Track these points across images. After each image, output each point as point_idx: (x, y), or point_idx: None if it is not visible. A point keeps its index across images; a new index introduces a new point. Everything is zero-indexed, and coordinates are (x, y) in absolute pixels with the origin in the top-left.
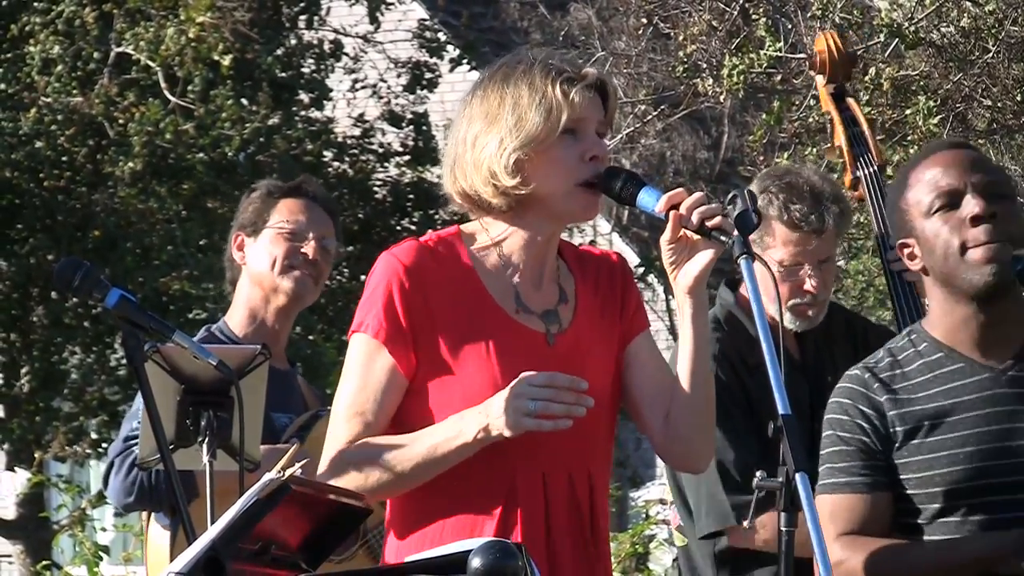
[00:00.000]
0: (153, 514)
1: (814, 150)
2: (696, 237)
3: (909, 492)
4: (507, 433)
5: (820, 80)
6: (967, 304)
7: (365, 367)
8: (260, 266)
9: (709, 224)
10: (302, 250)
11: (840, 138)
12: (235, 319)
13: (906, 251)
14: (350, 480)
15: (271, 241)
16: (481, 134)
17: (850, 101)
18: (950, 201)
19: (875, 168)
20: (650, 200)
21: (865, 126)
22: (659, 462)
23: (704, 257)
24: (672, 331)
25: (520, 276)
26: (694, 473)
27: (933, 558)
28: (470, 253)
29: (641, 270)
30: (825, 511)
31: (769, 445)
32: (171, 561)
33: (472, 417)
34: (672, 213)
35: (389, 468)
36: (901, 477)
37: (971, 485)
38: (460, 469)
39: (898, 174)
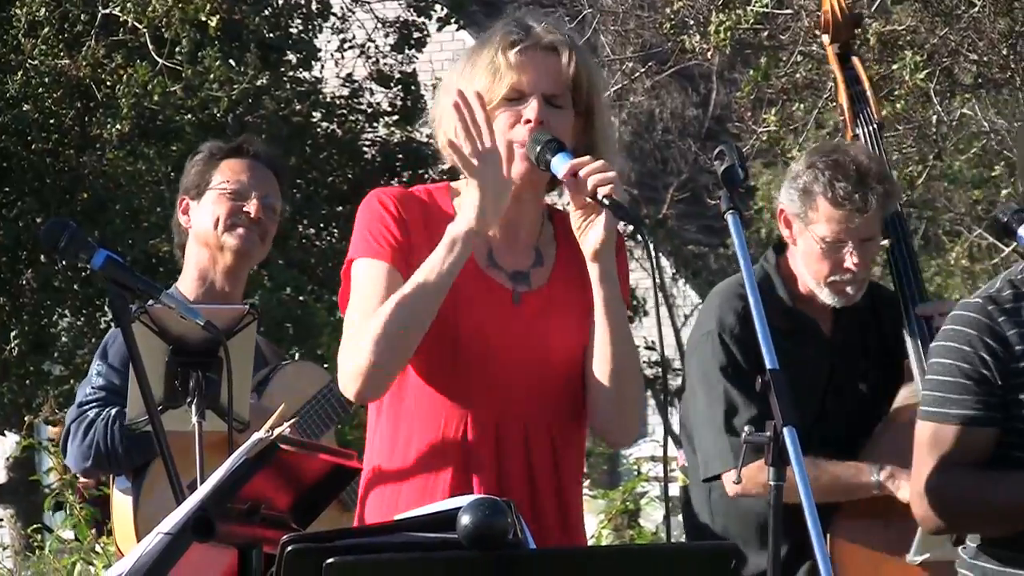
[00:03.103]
0: (114, 482)
1: (801, 105)
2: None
3: None
4: (476, 192)
5: (825, 39)
6: None
7: (366, 282)
8: (204, 226)
9: (601, 192)
10: (244, 209)
11: (842, 96)
12: (185, 283)
13: None
14: (371, 330)
15: (214, 202)
16: (443, 97)
17: (854, 60)
18: None
19: (875, 127)
20: (559, 165)
21: (867, 85)
22: (652, 420)
23: (601, 225)
24: (661, 288)
25: (494, 233)
26: (616, 448)
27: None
28: (454, 204)
29: (630, 228)
30: (926, 438)
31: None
32: (135, 527)
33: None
34: (569, 180)
35: (400, 303)
36: (1020, 412)
37: None
38: (417, 412)
39: None
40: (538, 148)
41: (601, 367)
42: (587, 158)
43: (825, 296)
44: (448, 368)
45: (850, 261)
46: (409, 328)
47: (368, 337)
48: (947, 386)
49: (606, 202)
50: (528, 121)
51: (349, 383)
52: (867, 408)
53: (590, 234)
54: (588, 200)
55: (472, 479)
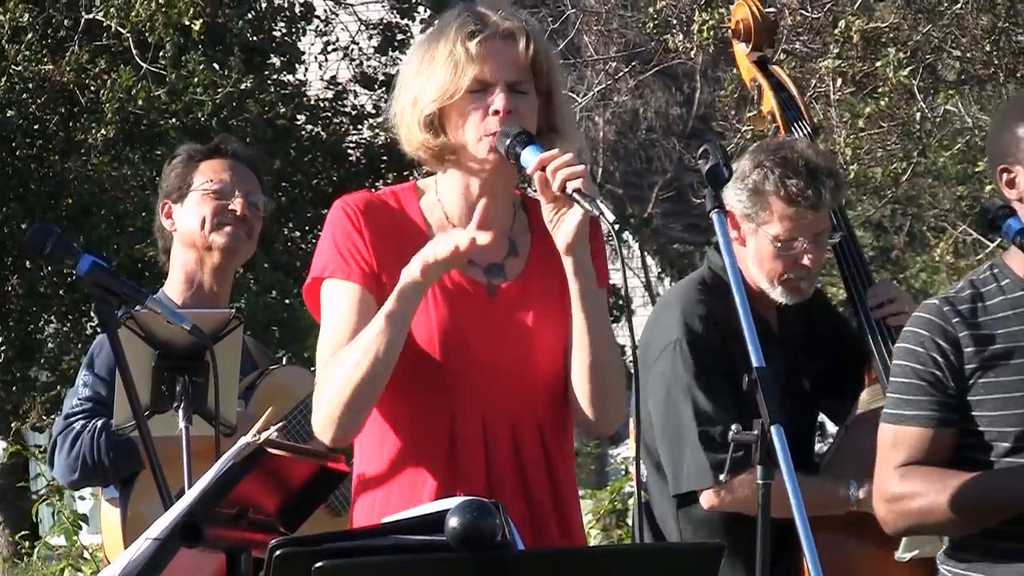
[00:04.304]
0: (103, 492)
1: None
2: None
3: (981, 429)
4: (439, 252)
5: (743, 48)
6: None
7: (338, 305)
8: (190, 227)
9: (571, 186)
10: (230, 207)
11: (771, 104)
12: (172, 286)
13: (1006, 176)
14: (335, 383)
15: (198, 202)
16: (402, 92)
17: (774, 68)
18: None
19: (809, 131)
20: (528, 159)
21: (793, 89)
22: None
23: (572, 219)
24: (648, 287)
25: (463, 228)
26: (598, 437)
27: (980, 495)
28: (421, 207)
29: (616, 227)
30: (887, 440)
31: (745, 411)
32: (124, 537)
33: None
34: (538, 174)
35: (361, 349)
36: (974, 413)
37: None
38: (402, 416)
39: (1016, 100)
40: (507, 141)
41: (580, 359)
42: (555, 151)
43: (778, 294)
44: (431, 371)
45: (806, 258)
46: (370, 383)
47: (333, 392)
48: (903, 388)
49: (576, 196)
50: (496, 112)
51: (322, 432)
52: (809, 405)
53: (561, 228)
54: (559, 194)
55: (461, 482)
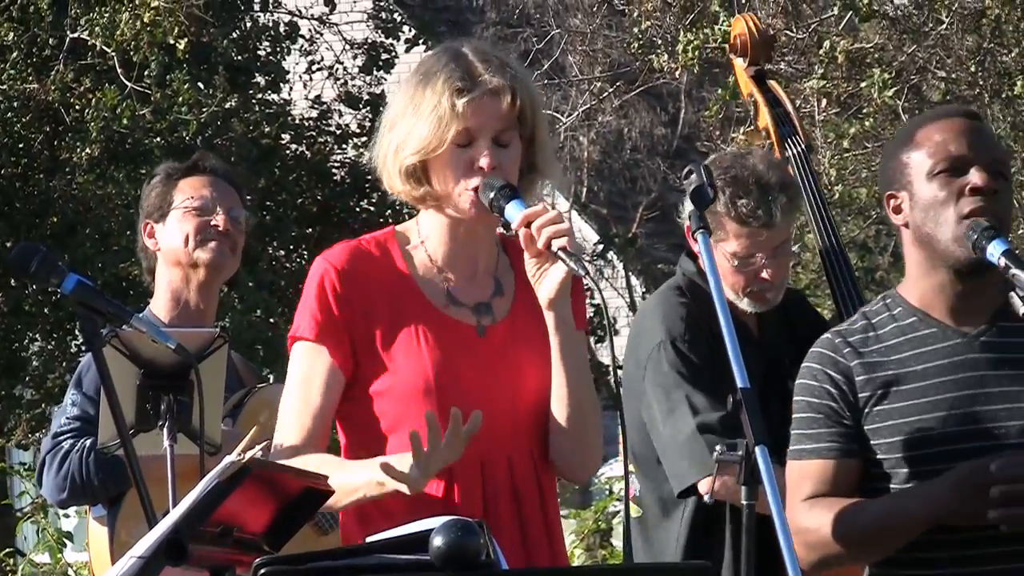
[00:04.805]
0: (91, 510)
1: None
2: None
3: (880, 457)
4: (407, 491)
5: (741, 63)
6: (945, 271)
7: (305, 372)
8: (174, 244)
9: (555, 244)
10: (212, 223)
11: (766, 120)
12: (159, 305)
13: (893, 202)
14: None
15: (180, 220)
16: (386, 135)
17: (771, 83)
18: (955, 167)
19: (803, 147)
20: (513, 214)
21: (789, 106)
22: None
23: (557, 274)
24: (632, 307)
25: (450, 270)
26: (573, 482)
27: (883, 517)
28: (403, 252)
29: (600, 247)
30: (793, 476)
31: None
32: (111, 555)
33: (374, 474)
34: (523, 231)
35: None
36: (872, 443)
37: (938, 451)
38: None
39: (904, 127)
40: (491, 194)
41: (560, 410)
42: (540, 207)
43: (745, 305)
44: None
45: (765, 273)
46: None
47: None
48: (802, 423)
49: (562, 255)
50: (481, 169)
51: None
52: (790, 407)
53: (544, 283)
54: (543, 250)
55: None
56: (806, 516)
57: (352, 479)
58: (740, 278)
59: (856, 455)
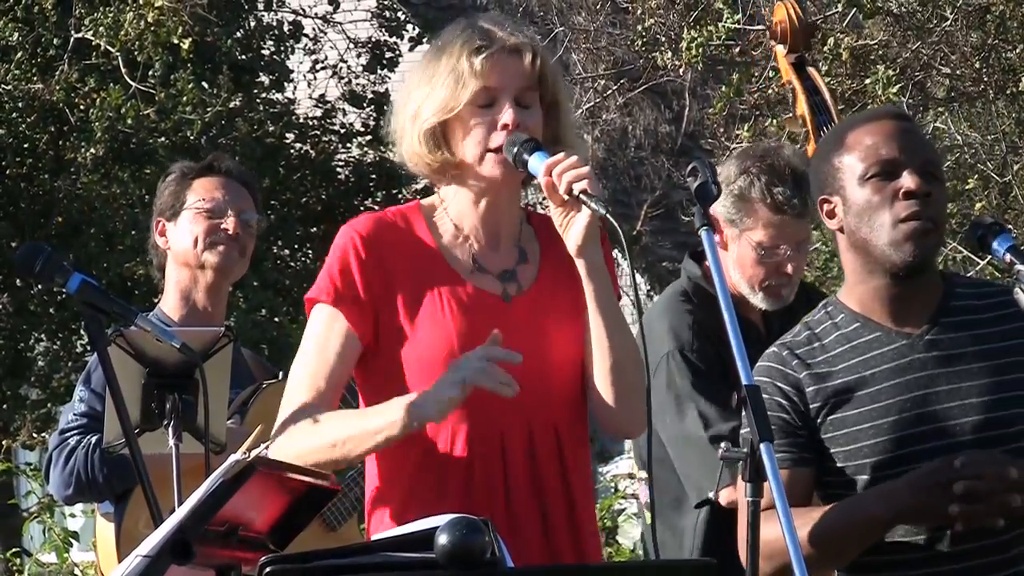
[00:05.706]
0: (98, 506)
1: (774, 121)
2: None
3: (840, 465)
4: (435, 418)
5: (781, 50)
6: (881, 275)
7: (321, 335)
8: (183, 245)
9: (576, 188)
10: (223, 226)
11: (803, 107)
12: (168, 303)
13: (826, 207)
14: (292, 448)
15: (191, 221)
16: (406, 106)
17: (811, 70)
18: (886, 171)
19: None
20: (536, 165)
21: (827, 95)
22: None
23: (581, 220)
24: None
25: (474, 239)
26: (626, 438)
27: (842, 520)
28: (428, 223)
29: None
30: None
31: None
32: (118, 552)
33: (401, 407)
34: (544, 179)
35: (326, 442)
36: (831, 451)
37: (896, 454)
38: (421, 434)
39: (834, 130)
40: (515, 148)
41: (602, 360)
42: (561, 155)
43: (758, 300)
44: None
45: (788, 265)
46: (332, 464)
47: (299, 449)
48: None
49: (583, 197)
50: (505, 126)
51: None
52: None
53: (572, 230)
54: (566, 197)
55: (477, 496)
56: (764, 526)
57: (374, 421)
58: (761, 270)
59: (809, 464)
